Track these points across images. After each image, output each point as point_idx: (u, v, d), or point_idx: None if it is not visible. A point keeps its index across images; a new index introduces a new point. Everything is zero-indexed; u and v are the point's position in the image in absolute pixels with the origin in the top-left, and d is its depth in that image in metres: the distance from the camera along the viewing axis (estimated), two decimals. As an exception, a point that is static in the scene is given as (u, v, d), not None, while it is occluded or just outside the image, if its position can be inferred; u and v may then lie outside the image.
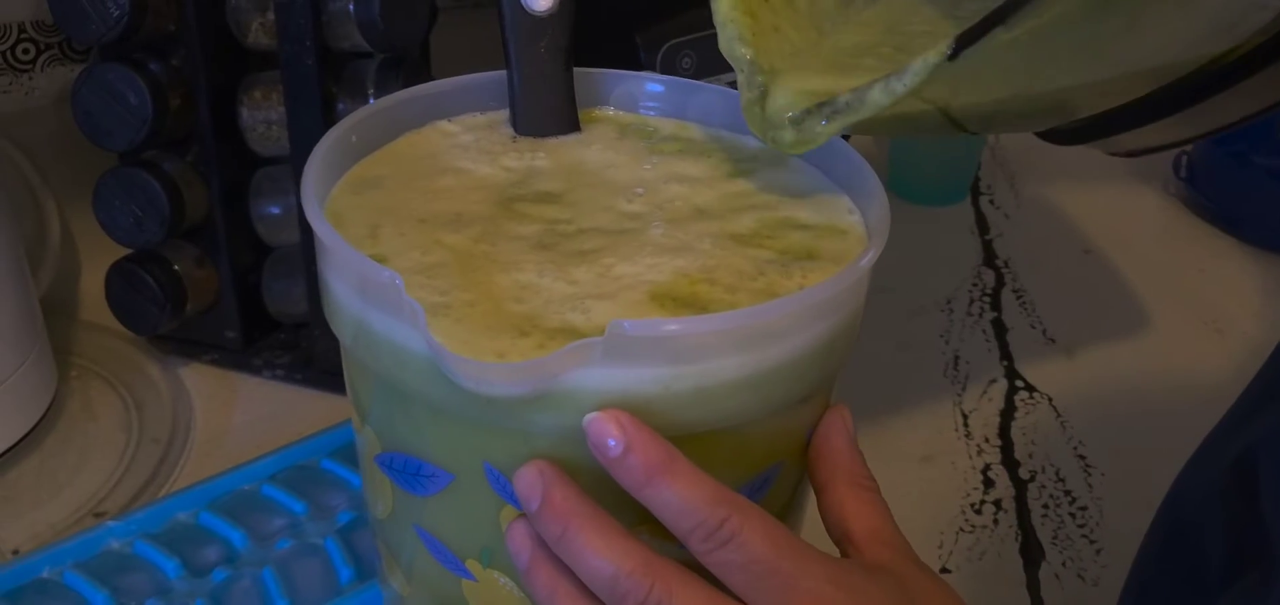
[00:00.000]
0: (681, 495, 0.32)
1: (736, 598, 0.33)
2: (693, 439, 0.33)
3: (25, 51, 0.69)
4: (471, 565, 0.37)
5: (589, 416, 0.32)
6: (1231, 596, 0.35)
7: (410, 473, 0.36)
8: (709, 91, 0.44)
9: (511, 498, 0.34)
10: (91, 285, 0.74)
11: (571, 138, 0.43)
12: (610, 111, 0.45)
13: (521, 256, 0.36)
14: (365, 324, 0.34)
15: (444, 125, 0.43)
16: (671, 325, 0.32)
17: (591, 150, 0.42)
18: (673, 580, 0.32)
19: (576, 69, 0.44)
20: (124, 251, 0.65)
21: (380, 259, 0.35)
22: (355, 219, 0.38)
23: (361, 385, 0.37)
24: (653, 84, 0.45)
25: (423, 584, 0.40)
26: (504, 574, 0.37)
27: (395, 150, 0.42)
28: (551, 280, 0.35)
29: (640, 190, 0.40)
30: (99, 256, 0.71)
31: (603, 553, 0.32)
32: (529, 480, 0.33)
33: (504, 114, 0.44)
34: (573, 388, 0.32)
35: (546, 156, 0.42)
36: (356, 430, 0.39)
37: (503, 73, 0.44)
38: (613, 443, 0.32)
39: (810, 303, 0.33)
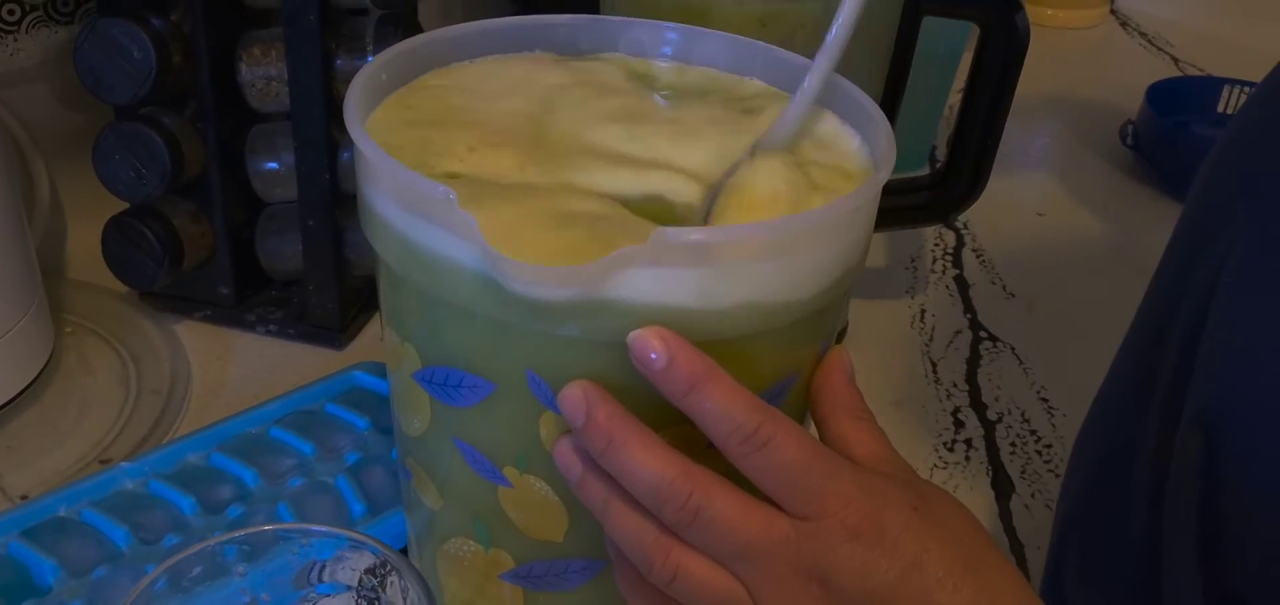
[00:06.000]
0: (720, 403, 0.34)
1: (768, 499, 0.36)
2: (721, 345, 0.36)
3: (10, 12, 0.70)
4: (509, 472, 0.39)
5: (632, 333, 0.34)
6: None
7: (451, 386, 0.38)
8: (715, 38, 0.47)
9: (551, 403, 0.37)
10: (79, 244, 0.74)
11: (596, 65, 0.46)
12: (620, 56, 0.47)
13: (553, 167, 0.39)
14: (412, 240, 0.36)
15: (466, 64, 0.45)
16: (709, 233, 0.34)
17: (609, 77, 0.45)
18: (711, 485, 0.35)
19: (590, 16, 0.47)
20: (112, 210, 0.65)
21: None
22: (388, 141, 0.40)
23: (404, 303, 0.39)
24: (669, 31, 0.47)
25: (457, 495, 0.42)
26: (540, 478, 0.39)
27: (423, 83, 0.44)
28: (583, 196, 0.37)
29: (660, 120, 0.42)
30: (85, 216, 0.72)
31: (645, 463, 0.35)
32: (574, 398, 0.35)
33: (521, 56, 0.47)
34: (615, 293, 0.34)
35: (570, 79, 0.44)
36: (392, 350, 0.41)
37: (520, 18, 0.46)
38: (655, 356, 0.34)
39: (836, 214, 0.36)
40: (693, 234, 0.34)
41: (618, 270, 0.34)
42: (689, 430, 0.36)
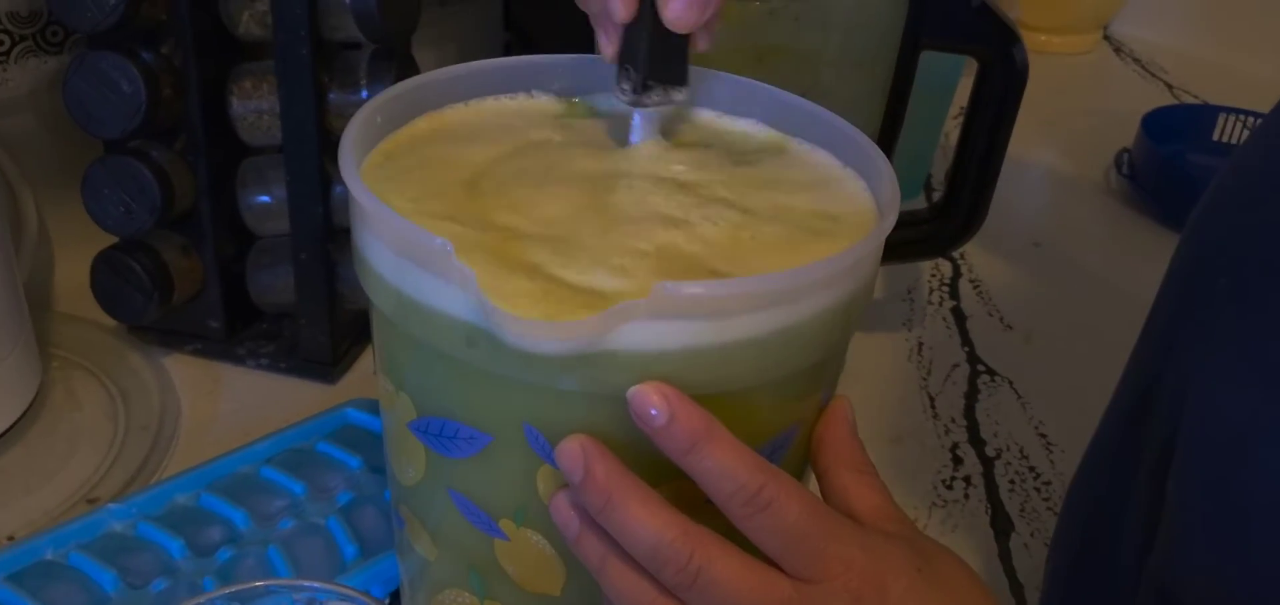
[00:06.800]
0: (721, 462, 0.34)
1: (769, 561, 0.35)
2: (723, 398, 0.35)
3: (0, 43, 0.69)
4: (505, 525, 0.38)
5: (632, 389, 0.33)
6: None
7: (447, 436, 0.38)
8: (714, 78, 0.47)
9: (549, 457, 0.36)
10: (66, 277, 0.73)
11: (586, 122, 0.45)
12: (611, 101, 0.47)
13: (543, 220, 0.38)
14: (408, 291, 0.36)
15: (459, 107, 0.45)
16: (710, 286, 0.34)
17: (603, 125, 0.44)
18: (711, 546, 0.34)
19: (574, 56, 0.46)
20: (100, 243, 0.65)
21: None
22: (380, 189, 0.39)
23: (398, 353, 0.39)
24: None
25: (451, 547, 0.41)
26: (537, 532, 0.38)
27: (416, 127, 0.43)
28: (567, 253, 0.37)
29: (648, 166, 0.42)
30: (73, 249, 0.71)
31: (645, 522, 0.34)
32: (571, 453, 0.34)
33: (516, 98, 0.46)
34: (615, 347, 0.33)
35: (559, 133, 0.44)
36: (386, 399, 0.41)
37: (518, 59, 0.46)
38: (655, 412, 0.33)
39: (837, 267, 0.35)
40: (694, 287, 0.33)
41: (618, 324, 0.33)
42: (686, 485, 0.35)
